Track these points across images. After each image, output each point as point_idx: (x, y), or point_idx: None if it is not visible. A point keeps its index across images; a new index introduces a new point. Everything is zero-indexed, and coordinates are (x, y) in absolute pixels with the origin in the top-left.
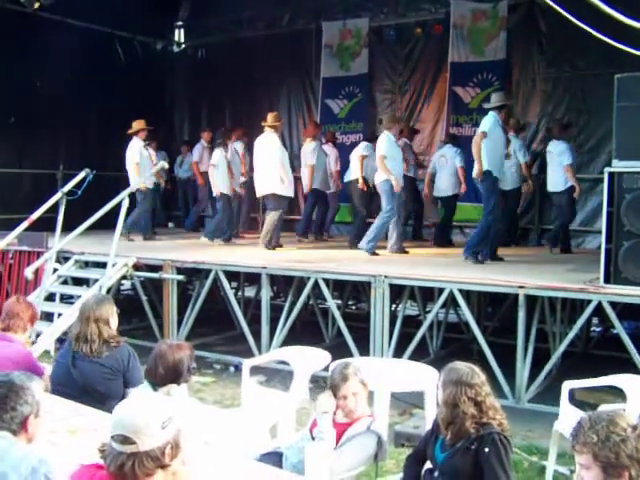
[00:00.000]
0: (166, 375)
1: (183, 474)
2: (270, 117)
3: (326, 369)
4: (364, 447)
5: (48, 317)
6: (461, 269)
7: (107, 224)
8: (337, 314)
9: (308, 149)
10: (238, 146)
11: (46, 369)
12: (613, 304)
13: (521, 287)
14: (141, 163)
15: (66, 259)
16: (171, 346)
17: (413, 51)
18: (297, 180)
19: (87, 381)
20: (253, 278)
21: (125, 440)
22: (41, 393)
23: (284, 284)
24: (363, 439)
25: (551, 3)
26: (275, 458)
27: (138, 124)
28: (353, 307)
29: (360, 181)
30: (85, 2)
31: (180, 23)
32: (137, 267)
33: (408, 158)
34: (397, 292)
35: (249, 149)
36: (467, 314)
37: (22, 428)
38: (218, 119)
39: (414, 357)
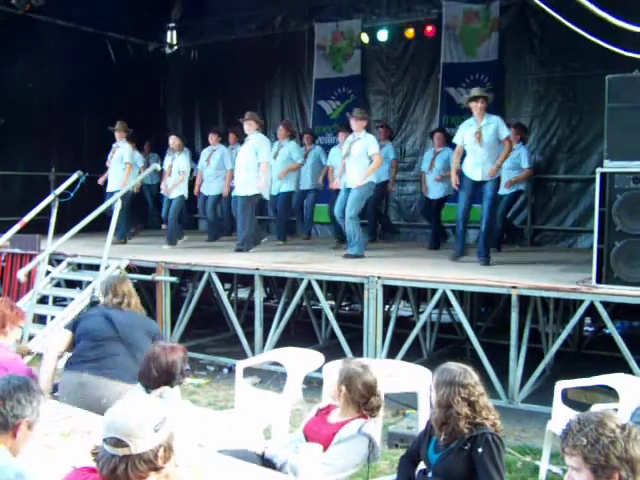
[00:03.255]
0: (159, 377)
1: (176, 477)
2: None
3: (319, 370)
4: (355, 450)
5: (41, 320)
6: (454, 270)
7: (100, 226)
8: (330, 315)
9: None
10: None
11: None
12: (605, 304)
13: (514, 287)
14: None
15: (59, 261)
16: (164, 348)
17: (405, 52)
18: None
19: (125, 328)
20: (246, 280)
21: (118, 443)
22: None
23: (277, 285)
24: (354, 442)
25: (542, 5)
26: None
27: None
28: (346, 308)
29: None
30: (76, 4)
31: (172, 25)
32: (130, 269)
33: None
34: (390, 293)
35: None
36: (460, 315)
37: (12, 429)
38: (211, 121)
39: (407, 358)
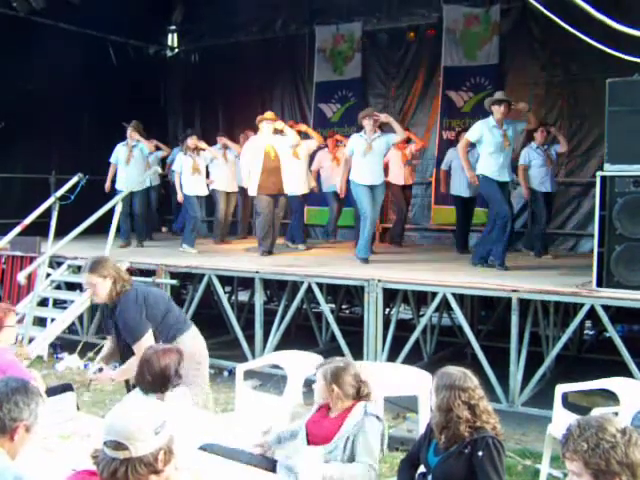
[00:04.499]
0: (154, 381)
1: None
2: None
3: None
4: (372, 431)
5: (41, 322)
6: (454, 273)
7: (100, 229)
8: (331, 318)
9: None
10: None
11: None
12: (605, 307)
13: (514, 291)
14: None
15: (59, 264)
16: (157, 352)
17: (406, 55)
18: None
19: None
20: (246, 282)
21: (118, 446)
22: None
23: (277, 288)
24: (367, 425)
25: (542, 9)
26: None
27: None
28: (347, 311)
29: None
30: (77, 7)
31: (173, 27)
32: (130, 272)
33: None
34: (391, 296)
35: None
36: (460, 318)
37: (10, 432)
38: (212, 123)
39: (408, 361)
